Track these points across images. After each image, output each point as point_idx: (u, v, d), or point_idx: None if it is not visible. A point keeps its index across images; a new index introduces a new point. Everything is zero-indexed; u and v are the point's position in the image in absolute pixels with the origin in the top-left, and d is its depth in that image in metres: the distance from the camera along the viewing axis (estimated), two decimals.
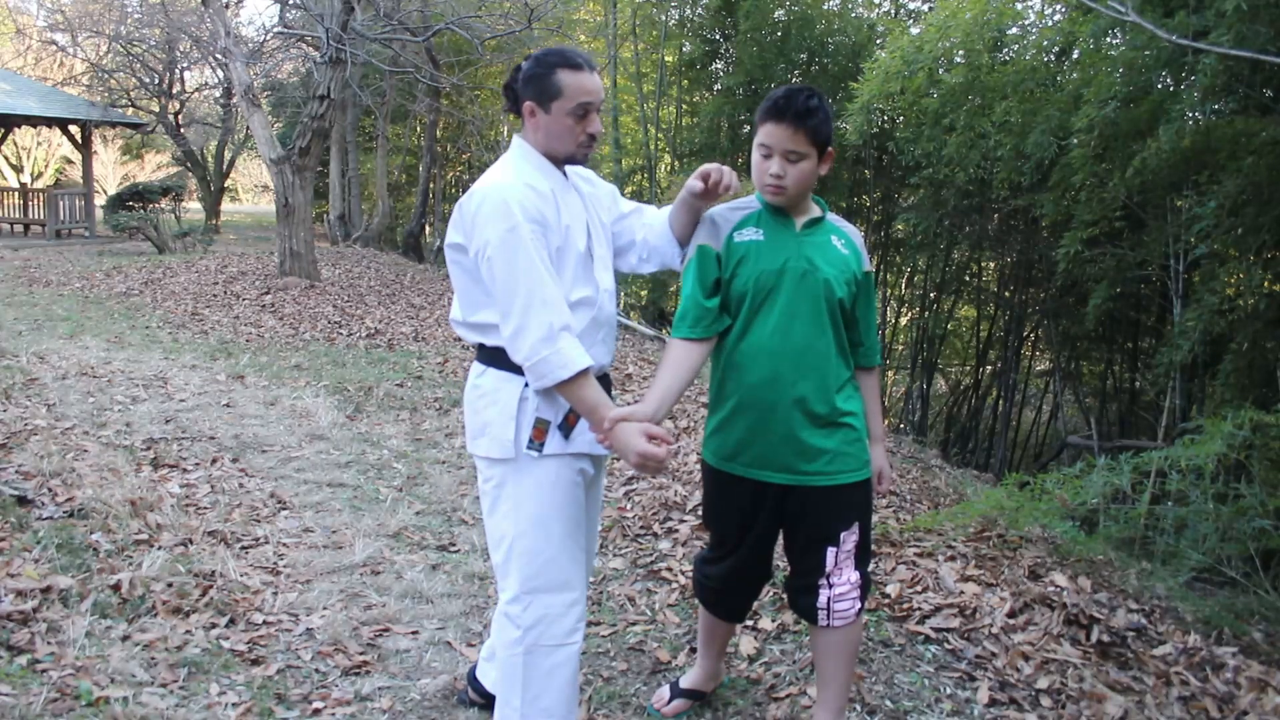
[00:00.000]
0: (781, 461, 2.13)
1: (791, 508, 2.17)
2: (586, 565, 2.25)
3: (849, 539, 2.17)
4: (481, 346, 2.12)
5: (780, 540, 2.29)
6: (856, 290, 2.18)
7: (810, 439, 2.11)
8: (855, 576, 2.19)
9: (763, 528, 2.23)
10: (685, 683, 2.57)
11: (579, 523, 2.13)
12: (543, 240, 2.00)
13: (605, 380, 2.20)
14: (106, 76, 20.71)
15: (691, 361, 2.14)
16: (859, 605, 2.20)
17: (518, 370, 2.03)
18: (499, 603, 2.15)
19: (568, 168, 2.17)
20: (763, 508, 2.19)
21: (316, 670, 2.75)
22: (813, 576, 2.18)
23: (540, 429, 2.05)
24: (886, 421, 12.35)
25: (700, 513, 3.93)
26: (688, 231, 2.24)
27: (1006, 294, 11.83)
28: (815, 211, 2.19)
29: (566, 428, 2.07)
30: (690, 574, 3.32)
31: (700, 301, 2.15)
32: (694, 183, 2.13)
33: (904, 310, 13.53)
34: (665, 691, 2.57)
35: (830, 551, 2.16)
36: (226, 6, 15.37)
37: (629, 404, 2.07)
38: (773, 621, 2.98)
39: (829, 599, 2.16)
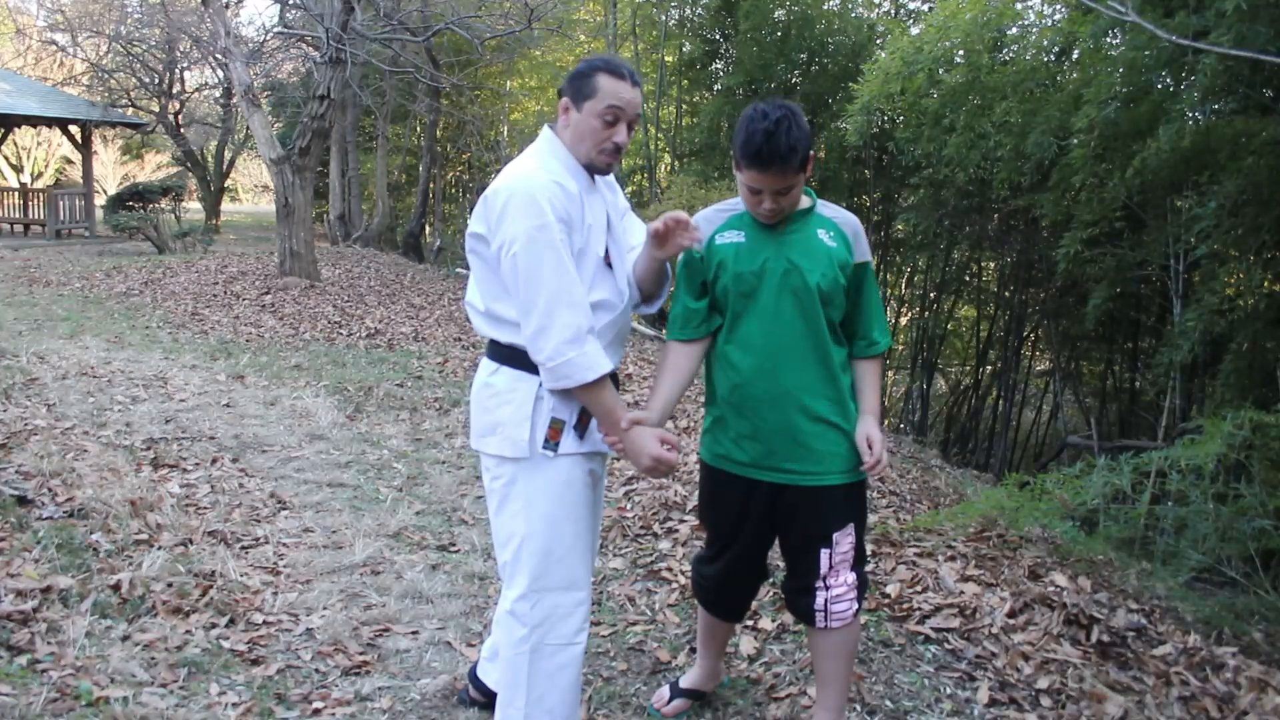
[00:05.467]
0: (771, 461, 2.15)
1: (783, 508, 2.18)
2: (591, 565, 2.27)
3: (843, 540, 2.17)
4: (495, 343, 2.11)
5: (778, 542, 2.29)
6: (847, 281, 2.14)
7: (800, 438, 2.13)
8: (852, 578, 2.19)
9: (755, 526, 2.23)
10: (685, 683, 2.57)
11: (588, 523, 2.14)
12: (569, 241, 1.99)
13: (613, 379, 2.21)
14: (106, 76, 20.69)
15: (686, 363, 2.21)
16: (856, 606, 2.20)
17: (532, 369, 2.03)
18: (503, 601, 2.15)
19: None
20: (755, 506, 2.20)
21: (316, 670, 2.75)
22: (809, 578, 2.18)
23: (556, 429, 2.06)
24: (886, 422, 12.35)
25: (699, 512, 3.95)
26: (647, 280, 2.21)
27: (1006, 294, 11.83)
28: (803, 204, 2.17)
29: (581, 428, 2.08)
30: (690, 574, 3.35)
31: (688, 304, 2.21)
32: (651, 230, 2.09)
33: (904, 310, 13.54)
34: (665, 691, 2.57)
35: (824, 553, 2.16)
36: (226, 6, 15.38)
37: (629, 405, 2.08)
38: (773, 621, 2.98)
39: (826, 600, 2.16)
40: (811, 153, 2.08)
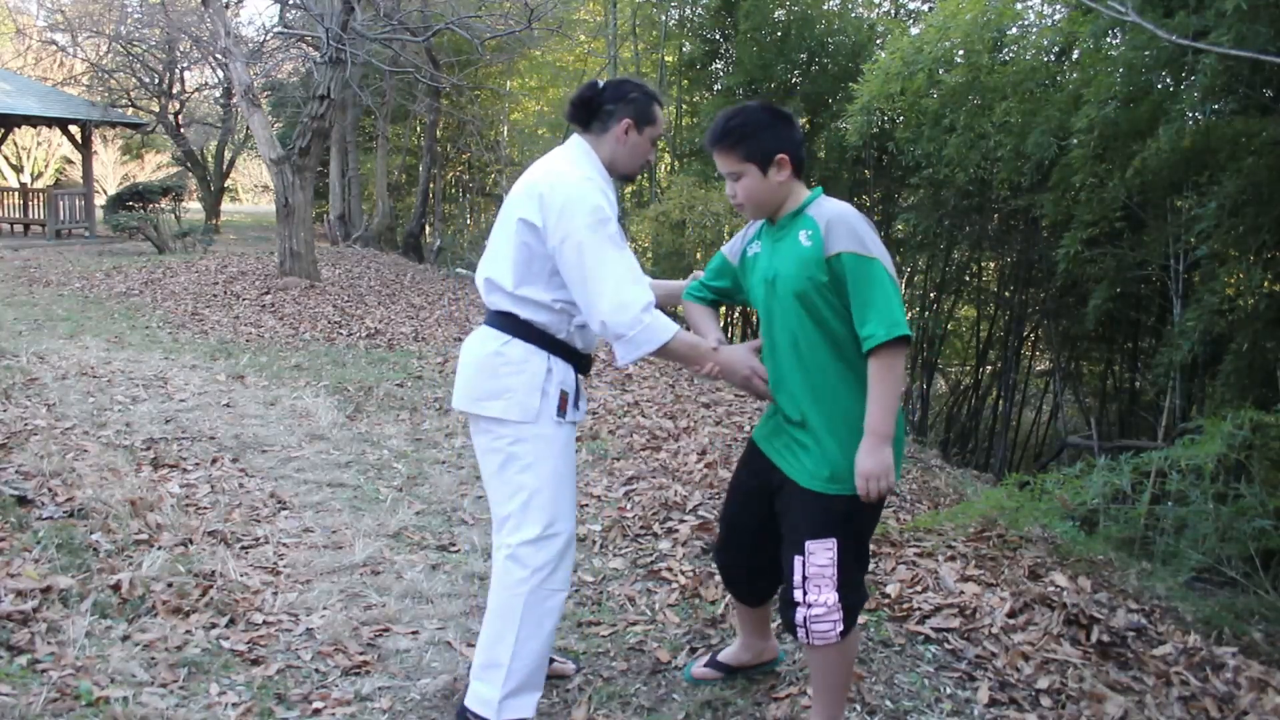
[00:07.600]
0: (776, 445, 2.26)
1: (779, 502, 2.24)
2: None
3: (820, 553, 2.09)
4: (511, 317, 2.30)
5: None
6: (828, 278, 2.04)
7: (791, 435, 2.21)
8: (834, 599, 2.09)
9: (751, 501, 2.33)
10: (721, 655, 2.68)
11: (575, 480, 2.44)
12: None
13: (589, 360, 2.48)
14: (106, 76, 20.70)
15: (705, 308, 2.49)
16: (840, 629, 2.10)
17: (545, 344, 2.29)
18: (501, 548, 2.33)
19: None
20: (758, 482, 2.30)
21: (316, 670, 2.75)
22: (789, 587, 2.16)
23: (564, 399, 2.32)
24: None
25: (700, 512, 3.96)
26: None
27: (1006, 294, 11.83)
28: (795, 206, 2.16)
29: (577, 397, 2.37)
30: (690, 574, 3.38)
31: (703, 278, 2.50)
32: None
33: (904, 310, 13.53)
34: (705, 658, 2.71)
35: (798, 560, 2.12)
36: (226, 6, 15.38)
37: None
38: (773, 622, 2.98)
39: (805, 618, 2.10)
40: (781, 156, 2.10)
